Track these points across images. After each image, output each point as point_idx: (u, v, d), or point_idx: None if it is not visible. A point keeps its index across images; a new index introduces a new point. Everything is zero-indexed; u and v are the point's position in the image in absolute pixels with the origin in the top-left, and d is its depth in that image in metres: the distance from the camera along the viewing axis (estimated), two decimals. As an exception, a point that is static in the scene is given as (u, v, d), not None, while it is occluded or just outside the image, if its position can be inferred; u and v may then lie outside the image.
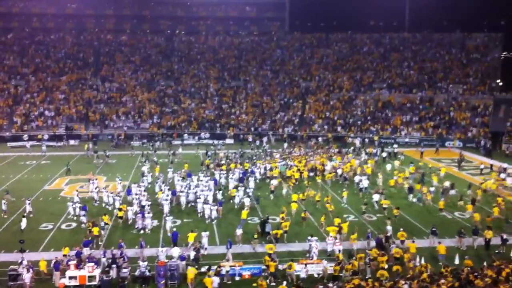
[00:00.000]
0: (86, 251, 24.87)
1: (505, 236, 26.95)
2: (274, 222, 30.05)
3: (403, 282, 20.41)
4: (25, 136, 59.82)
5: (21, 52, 78.73)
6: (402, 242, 26.76)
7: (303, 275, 23.52)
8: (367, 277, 22.61)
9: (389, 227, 27.88)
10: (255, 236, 27.15)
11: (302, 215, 31.06)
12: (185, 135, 63.55)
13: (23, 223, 29.31)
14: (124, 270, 22.79)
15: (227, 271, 23.42)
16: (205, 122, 67.01)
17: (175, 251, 24.55)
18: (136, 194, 34.38)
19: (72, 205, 32.18)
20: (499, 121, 62.35)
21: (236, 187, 36.84)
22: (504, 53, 79.87)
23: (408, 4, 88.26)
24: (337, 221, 28.96)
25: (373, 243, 26.75)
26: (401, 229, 27.84)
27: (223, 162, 46.59)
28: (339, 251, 25.62)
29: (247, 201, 33.51)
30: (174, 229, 28.20)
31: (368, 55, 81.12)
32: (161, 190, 35.14)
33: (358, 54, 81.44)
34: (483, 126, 62.57)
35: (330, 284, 21.18)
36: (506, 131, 59.85)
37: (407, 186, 38.38)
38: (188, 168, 42.94)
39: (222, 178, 40.44)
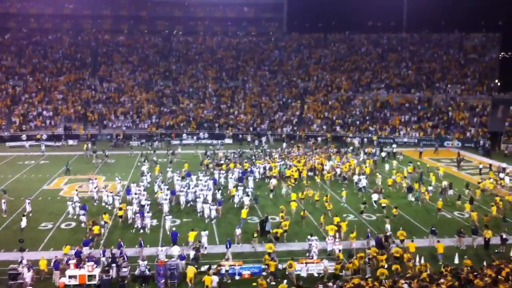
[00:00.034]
0: (85, 250, 24.84)
1: (504, 236, 27.01)
2: (273, 222, 30.05)
3: (403, 281, 20.40)
4: (24, 136, 59.78)
5: (19, 53, 78.65)
6: (402, 241, 26.79)
7: (303, 274, 23.53)
8: (366, 276, 22.64)
9: (387, 226, 27.93)
10: (255, 235, 27.15)
11: (302, 213, 31.09)
12: (184, 135, 63.62)
13: (23, 222, 29.25)
14: (124, 270, 22.74)
15: (227, 270, 23.42)
16: (203, 122, 67.02)
17: (175, 250, 24.54)
18: (136, 194, 34.39)
19: (71, 205, 32.14)
20: (497, 121, 62.55)
21: (235, 187, 36.86)
22: (502, 53, 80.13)
23: (406, 5, 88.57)
24: (336, 219, 29.00)
25: (372, 242, 26.77)
26: (401, 228, 27.88)
27: (222, 162, 46.60)
28: (339, 250, 25.65)
29: (246, 200, 33.57)
30: (174, 229, 28.19)
31: (366, 55, 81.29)
32: (160, 189, 35.12)
33: (356, 55, 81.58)
34: (482, 126, 62.72)
35: (330, 284, 21.18)
36: (504, 131, 60.02)
37: (406, 185, 38.48)
38: (188, 168, 42.97)
39: (221, 177, 40.50)
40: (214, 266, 22.80)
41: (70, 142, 60.06)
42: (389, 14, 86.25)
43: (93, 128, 65.43)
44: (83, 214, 30.28)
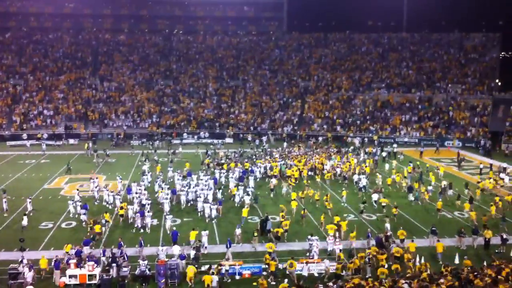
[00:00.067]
0: (86, 250, 24.88)
1: (505, 236, 27.03)
2: (274, 221, 30.07)
3: (403, 281, 20.43)
4: (24, 135, 59.84)
5: (19, 52, 78.63)
6: (402, 241, 26.81)
7: (305, 273, 23.55)
8: (367, 276, 22.67)
9: (387, 225, 27.95)
10: (255, 234, 27.17)
11: (302, 213, 31.12)
12: (185, 134, 63.65)
13: (25, 221, 29.30)
14: (124, 269, 22.78)
15: (227, 270, 23.45)
16: (204, 121, 67.03)
17: (176, 250, 24.57)
18: (136, 193, 34.42)
19: (72, 204, 32.18)
20: (498, 121, 62.46)
21: (236, 186, 36.88)
22: (503, 53, 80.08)
23: (406, 4, 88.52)
24: (336, 219, 29.03)
25: (372, 242, 26.79)
26: (401, 228, 27.90)
27: (223, 161, 46.63)
28: (340, 250, 25.67)
29: (247, 199, 33.60)
30: (174, 228, 28.23)
31: (367, 55, 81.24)
32: (161, 189, 35.14)
33: (356, 54, 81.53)
34: (482, 125, 62.69)
35: (330, 283, 21.20)
36: (505, 130, 60.00)
37: (406, 185, 38.49)
38: (189, 167, 42.99)
39: (222, 177, 40.53)
40: (214, 266, 22.83)
41: (71, 141, 60.13)
42: (389, 13, 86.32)
43: (93, 127, 65.46)
44: (84, 214, 30.33)
